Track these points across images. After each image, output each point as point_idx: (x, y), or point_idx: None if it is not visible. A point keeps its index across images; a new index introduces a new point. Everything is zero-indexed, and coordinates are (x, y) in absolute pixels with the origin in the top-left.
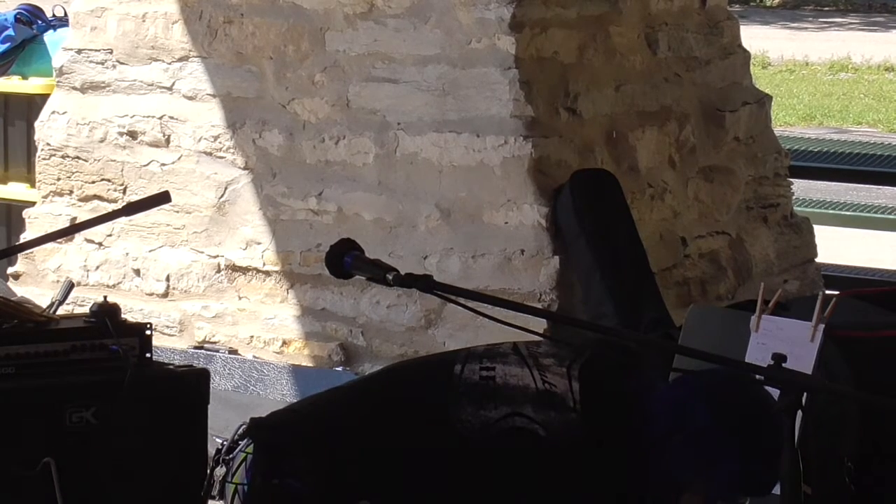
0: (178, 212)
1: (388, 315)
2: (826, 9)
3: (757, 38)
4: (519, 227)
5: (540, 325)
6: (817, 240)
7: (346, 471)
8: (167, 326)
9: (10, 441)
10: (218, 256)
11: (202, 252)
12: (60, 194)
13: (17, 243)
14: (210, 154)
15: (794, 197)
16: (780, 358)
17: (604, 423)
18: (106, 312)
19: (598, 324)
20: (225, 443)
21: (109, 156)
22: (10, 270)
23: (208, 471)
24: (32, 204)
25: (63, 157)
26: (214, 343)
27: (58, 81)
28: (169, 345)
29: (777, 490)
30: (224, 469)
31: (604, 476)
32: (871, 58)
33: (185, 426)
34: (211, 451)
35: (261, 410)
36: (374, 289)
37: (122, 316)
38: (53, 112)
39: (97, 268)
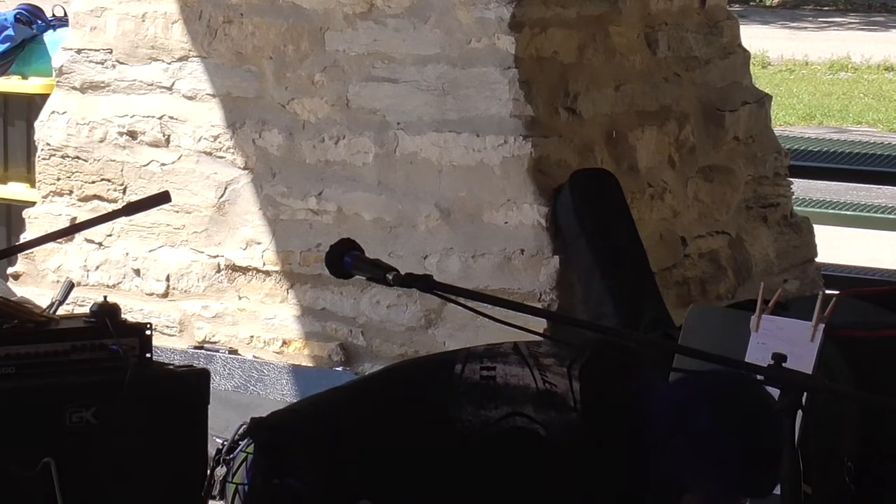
0: (178, 212)
1: (388, 315)
2: (826, 8)
3: (757, 38)
4: (519, 227)
5: (540, 325)
6: (817, 239)
7: (346, 470)
8: (167, 326)
9: (10, 441)
10: (218, 256)
11: (202, 252)
12: (60, 194)
13: (17, 243)
14: (210, 154)
15: (794, 197)
16: (780, 358)
17: (604, 422)
18: (106, 312)
19: (598, 324)
20: (225, 443)
21: (109, 156)
22: (10, 270)
23: (209, 471)
24: (32, 204)
25: (63, 157)
26: (214, 343)
27: (58, 81)
28: (169, 345)
29: (777, 490)
30: (224, 469)
31: (604, 476)
32: (870, 57)
33: (185, 426)
34: (211, 451)
35: (261, 410)
36: (374, 289)
37: (122, 316)
38: (53, 112)
39: (97, 268)
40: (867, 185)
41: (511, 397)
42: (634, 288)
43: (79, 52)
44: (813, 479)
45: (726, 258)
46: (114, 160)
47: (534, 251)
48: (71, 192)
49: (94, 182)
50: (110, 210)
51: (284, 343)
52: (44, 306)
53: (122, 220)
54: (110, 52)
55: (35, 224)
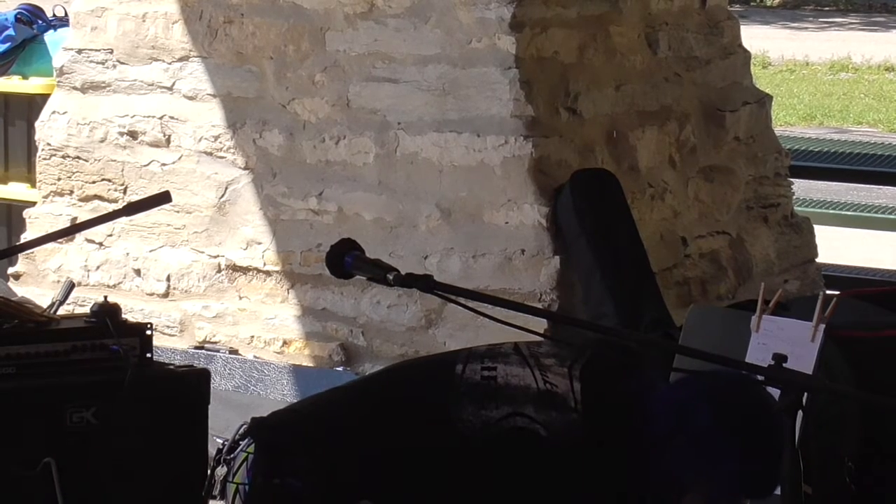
0: (178, 212)
1: (388, 315)
2: (826, 9)
3: (757, 38)
4: (519, 227)
5: (540, 325)
6: (818, 240)
7: (346, 470)
8: (168, 326)
9: (10, 441)
10: (218, 256)
11: (203, 252)
12: (61, 194)
13: (17, 243)
14: (210, 154)
15: (794, 197)
16: (780, 358)
17: (605, 423)
18: (106, 312)
19: (598, 324)
20: (226, 443)
21: (110, 156)
22: (10, 270)
23: (209, 471)
24: (33, 204)
25: (63, 157)
26: (215, 343)
27: (58, 81)
28: (169, 345)
29: (777, 490)
30: (225, 469)
31: (605, 476)
32: (871, 58)
33: (186, 426)
34: (211, 451)
35: (261, 410)
36: (375, 289)
37: (123, 316)
38: (54, 112)
39: (98, 268)
40: (867, 186)
41: (512, 397)
42: (635, 288)
43: (79, 52)
44: (813, 479)
45: (727, 258)
46: (114, 160)
47: (534, 251)
48: (71, 192)
49: (94, 182)
50: (111, 210)
51: (285, 343)
52: (44, 306)
53: (123, 220)
54: (111, 52)
55: (35, 224)
